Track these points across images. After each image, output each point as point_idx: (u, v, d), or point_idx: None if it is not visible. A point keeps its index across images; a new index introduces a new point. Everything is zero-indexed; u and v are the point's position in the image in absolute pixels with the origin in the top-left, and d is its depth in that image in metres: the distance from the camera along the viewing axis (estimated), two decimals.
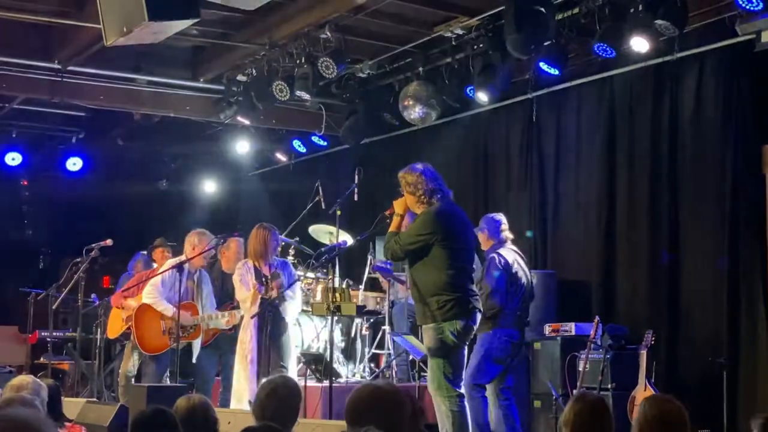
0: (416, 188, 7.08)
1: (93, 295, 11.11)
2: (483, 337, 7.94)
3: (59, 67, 10.66)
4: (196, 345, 8.99)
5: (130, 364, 9.28)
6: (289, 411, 4.69)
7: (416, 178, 7.10)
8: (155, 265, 10.15)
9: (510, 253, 8.23)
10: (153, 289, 8.90)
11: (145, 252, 10.89)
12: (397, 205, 7.22)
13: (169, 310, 8.75)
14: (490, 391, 8.08)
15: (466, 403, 7.02)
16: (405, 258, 7.24)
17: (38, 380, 5.64)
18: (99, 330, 10.51)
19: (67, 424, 6.61)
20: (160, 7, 5.88)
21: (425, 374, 8.41)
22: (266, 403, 4.59)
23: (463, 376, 7.20)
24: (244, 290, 8.45)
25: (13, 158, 13.39)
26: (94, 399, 9.41)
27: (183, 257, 8.89)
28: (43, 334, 11.46)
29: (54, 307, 10.48)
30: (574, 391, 8.04)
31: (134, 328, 8.94)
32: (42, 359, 11.73)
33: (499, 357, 8.02)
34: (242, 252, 9.28)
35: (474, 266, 7.39)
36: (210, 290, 9.14)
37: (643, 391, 7.90)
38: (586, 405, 4.20)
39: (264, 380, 5.01)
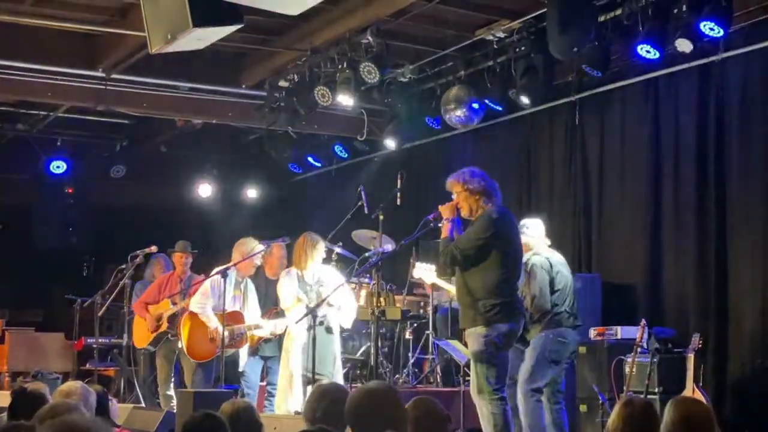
0: (473, 192, 7.05)
1: None
2: (535, 341, 7.84)
3: (103, 75, 10.76)
4: (243, 353, 9.01)
5: (166, 371, 9.32)
6: (339, 415, 4.69)
7: (472, 183, 7.06)
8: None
9: (551, 254, 8.19)
10: (202, 298, 8.90)
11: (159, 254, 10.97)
12: (445, 210, 7.12)
13: (212, 321, 8.77)
14: (544, 395, 8.01)
15: (508, 407, 6.97)
16: (463, 263, 7.10)
17: (87, 386, 5.68)
18: None
19: (115, 429, 6.64)
20: (204, 14, 5.89)
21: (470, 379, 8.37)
22: (317, 406, 4.61)
23: (519, 382, 7.16)
24: (287, 300, 8.47)
25: (58, 166, 13.55)
26: (141, 405, 9.47)
27: (229, 264, 8.90)
28: (89, 340, 11.52)
29: (99, 314, 10.55)
30: (621, 396, 7.97)
31: (182, 335, 8.99)
32: (88, 366, 11.81)
33: (554, 358, 7.93)
34: (285, 257, 9.30)
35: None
36: (256, 300, 9.17)
37: (691, 395, 7.81)
38: (634, 410, 4.19)
39: (315, 385, 5.03)
